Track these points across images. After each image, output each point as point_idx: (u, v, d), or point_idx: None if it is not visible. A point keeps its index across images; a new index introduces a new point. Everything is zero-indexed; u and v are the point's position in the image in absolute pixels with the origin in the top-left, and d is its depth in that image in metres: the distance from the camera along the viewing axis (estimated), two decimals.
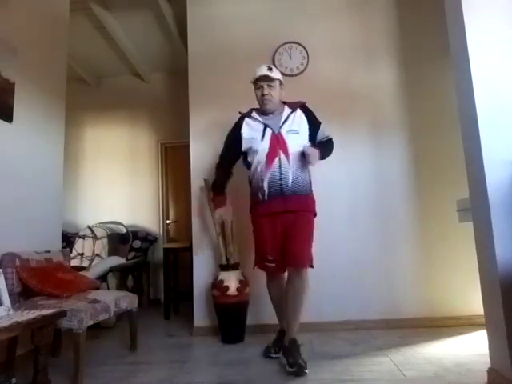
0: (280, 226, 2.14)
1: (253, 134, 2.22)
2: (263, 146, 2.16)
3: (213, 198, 2.51)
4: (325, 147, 2.25)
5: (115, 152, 4.78)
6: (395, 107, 3.00)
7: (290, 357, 1.99)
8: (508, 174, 1.66)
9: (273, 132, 2.17)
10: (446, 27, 1.97)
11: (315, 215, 2.24)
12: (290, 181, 2.11)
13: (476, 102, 1.72)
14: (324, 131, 2.30)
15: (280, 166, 2.12)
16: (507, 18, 1.77)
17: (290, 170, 2.12)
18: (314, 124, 2.27)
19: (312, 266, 2.15)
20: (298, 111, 2.25)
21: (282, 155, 2.12)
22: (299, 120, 2.23)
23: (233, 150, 2.31)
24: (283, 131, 2.17)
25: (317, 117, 2.30)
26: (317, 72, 3.05)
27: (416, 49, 3.03)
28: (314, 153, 2.09)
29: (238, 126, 2.30)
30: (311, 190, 2.25)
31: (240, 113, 2.35)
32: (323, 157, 2.21)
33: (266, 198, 2.14)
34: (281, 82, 2.25)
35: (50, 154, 2.79)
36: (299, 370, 1.89)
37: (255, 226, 2.25)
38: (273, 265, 2.17)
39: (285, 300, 2.13)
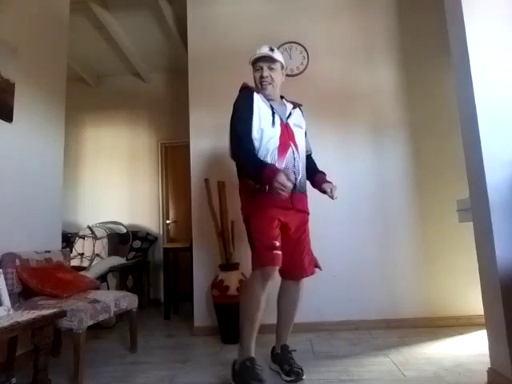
0: (283, 220, 1.88)
1: (264, 114, 1.90)
2: (274, 133, 1.88)
3: (264, 177, 1.73)
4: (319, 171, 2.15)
5: (115, 152, 4.78)
6: (395, 107, 3.01)
7: (284, 364, 1.92)
8: (508, 174, 1.66)
9: (281, 120, 1.94)
10: (446, 27, 1.97)
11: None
12: (300, 176, 1.91)
13: (476, 102, 1.72)
14: (309, 142, 2.16)
15: (294, 159, 1.89)
16: (507, 18, 1.77)
17: (301, 165, 1.94)
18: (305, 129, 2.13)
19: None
20: (298, 110, 2.12)
21: (294, 147, 1.91)
22: (301, 118, 2.09)
23: (251, 124, 1.89)
24: (290, 122, 1.97)
25: None
26: (317, 72, 3.05)
27: (416, 48, 3.03)
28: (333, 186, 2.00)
29: (251, 98, 1.92)
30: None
31: (246, 84, 2.01)
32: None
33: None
34: (282, 66, 2.04)
35: (49, 153, 2.78)
36: (297, 378, 1.85)
37: (259, 216, 1.85)
38: (279, 252, 1.80)
39: (283, 311, 2.04)
